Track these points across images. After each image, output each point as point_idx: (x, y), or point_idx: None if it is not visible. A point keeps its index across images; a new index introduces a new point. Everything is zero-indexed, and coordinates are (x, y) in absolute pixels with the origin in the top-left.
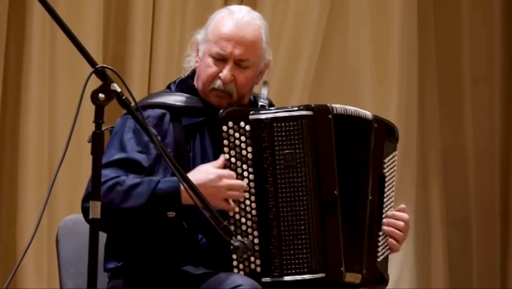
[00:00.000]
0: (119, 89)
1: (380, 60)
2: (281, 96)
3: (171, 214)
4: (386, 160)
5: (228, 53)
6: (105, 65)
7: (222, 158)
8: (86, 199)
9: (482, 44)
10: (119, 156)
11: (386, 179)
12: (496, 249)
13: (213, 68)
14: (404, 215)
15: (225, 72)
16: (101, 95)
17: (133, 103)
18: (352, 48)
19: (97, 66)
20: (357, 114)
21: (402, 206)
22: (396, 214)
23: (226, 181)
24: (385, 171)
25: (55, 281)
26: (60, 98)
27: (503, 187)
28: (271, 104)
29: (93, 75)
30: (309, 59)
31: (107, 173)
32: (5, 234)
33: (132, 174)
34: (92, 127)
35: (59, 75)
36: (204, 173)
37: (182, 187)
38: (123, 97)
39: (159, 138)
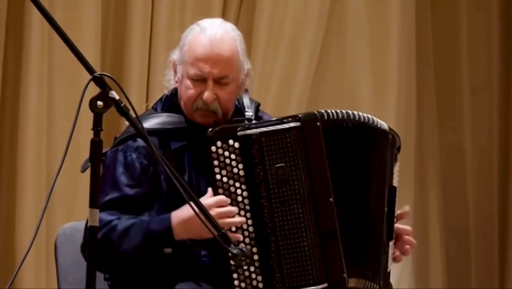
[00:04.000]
0: (117, 97)
1: (378, 70)
2: (279, 106)
3: (168, 250)
4: (394, 171)
5: (207, 74)
6: (104, 73)
7: (209, 191)
8: (85, 246)
9: (480, 54)
10: (112, 195)
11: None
12: (494, 256)
13: (193, 90)
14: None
15: (207, 94)
16: (99, 102)
17: (131, 111)
18: (350, 58)
19: (96, 74)
20: (367, 121)
21: (406, 208)
22: (407, 229)
23: (216, 210)
24: (394, 182)
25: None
26: (58, 106)
27: (501, 194)
28: (258, 107)
29: (92, 82)
30: (307, 68)
31: (101, 218)
32: (3, 241)
33: (126, 214)
34: (90, 135)
35: (57, 83)
36: (190, 213)
37: (173, 223)
38: (122, 105)
39: (152, 168)
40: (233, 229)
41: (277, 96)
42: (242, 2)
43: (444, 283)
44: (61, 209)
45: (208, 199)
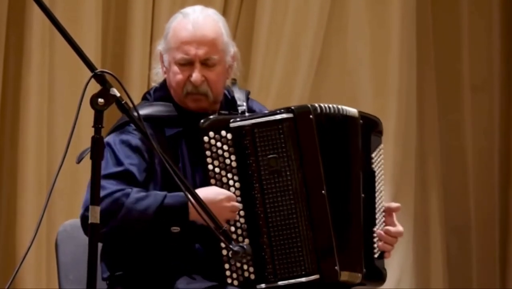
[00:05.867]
0: (118, 94)
1: (379, 69)
2: (279, 105)
3: (176, 229)
4: (373, 155)
5: (193, 56)
6: (105, 70)
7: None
8: (86, 212)
9: (481, 52)
10: (116, 169)
11: (376, 174)
12: (495, 256)
13: (181, 75)
14: (399, 229)
15: (195, 75)
16: (100, 100)
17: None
18: (351, 58)
19: (97, 71)
20: (342, 112)
21: (396, 204)
22: (391, 230)
23: (232, 203)
24: (373, 166)
25: (54, 286)
26: (59, 103)
27: (502, 192)
28: (248, 95)
29: (93, 79)
30: (308, 67)
31: (109, 186)
32: (4, 239)
33: (134, 187)
34: (90, 132)
35: (58, 80)
36: (214, 192)
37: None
38: (123, 102)
39: (146, 155)
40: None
41: (278, 96)
42: (243, 2)
43: (445, 282)
44: (61, 207)
45: (220, 193)
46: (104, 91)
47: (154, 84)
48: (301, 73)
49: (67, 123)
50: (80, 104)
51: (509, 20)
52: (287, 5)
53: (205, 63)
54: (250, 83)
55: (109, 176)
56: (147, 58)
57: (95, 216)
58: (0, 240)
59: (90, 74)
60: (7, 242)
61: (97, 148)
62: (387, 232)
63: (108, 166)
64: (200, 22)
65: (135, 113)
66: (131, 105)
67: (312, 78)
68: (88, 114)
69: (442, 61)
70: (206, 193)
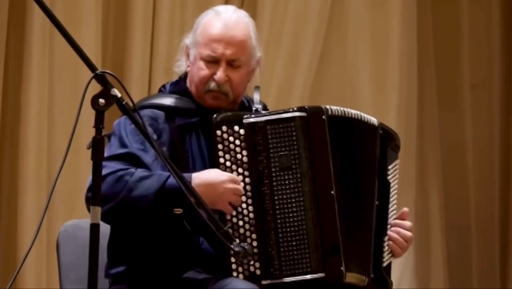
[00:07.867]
0: (119, 94)
1: (380, 67)
2: (280, 103)
3: (178, 210)
4: (389, 167)
5: (220, 54)
6: (106, 70)
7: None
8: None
9: (481, 51)
10: (121, 151)
11: (391, 186)
12: (495, 255)
13: (205, 71)
14: (409, 225)
15: (219, 74)
16: (101, 100)
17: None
18: (352, 55)
19: (97, 71)
20: (359, 118)
21: (405, 209)
22: (403, 223)
23: (235, 185)
24: (389, 177)
25: (55, 286)
26: (60, 104)
27: (503, 192)
28: (265, 108)
29: (93, 80)
30: (308, 66)
31: (113, 165)
32: (5, 239)
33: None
34: (91, 132)
35: (58, 81)
36: (217, 173)
37: (193, 183)
38: (123, 102)
39: (155, 136)
40: (234, 213)
41: (278, 95)
42: (244, 1)
43: (445, 281)
44: (62, 207)
45: (223, 174)
46: (105, 92)
47: (175, 76)
48: (302, 72)
49: (67, 124)
50: (81, 105)
51: (509, 19)
52: (288, 4)
53: (231, 63)
54: (250, 82)
55: (112, 157)
56: (148, 59)
57: (95, 216)
58: (0, 241)
59: (91, 75)
60: (8, 243)
61: (98, 148)
62: (400, 225)
63: (112, 149)
64: (231, 22)
65: (136, 114)
66: (131, 105)
67: (313, 77)
68: (89, 114)
69: (442, 59)
70: (209, 174)
